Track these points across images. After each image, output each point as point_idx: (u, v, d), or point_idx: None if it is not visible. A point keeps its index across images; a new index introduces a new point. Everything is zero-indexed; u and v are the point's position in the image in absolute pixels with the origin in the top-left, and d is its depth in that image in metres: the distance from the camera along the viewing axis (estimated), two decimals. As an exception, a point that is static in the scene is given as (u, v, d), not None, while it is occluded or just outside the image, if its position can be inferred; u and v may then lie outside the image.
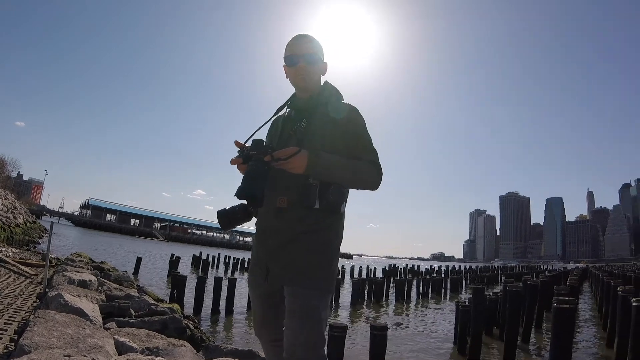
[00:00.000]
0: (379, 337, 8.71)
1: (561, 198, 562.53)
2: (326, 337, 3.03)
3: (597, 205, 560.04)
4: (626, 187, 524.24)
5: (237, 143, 2.97)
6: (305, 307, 2.84)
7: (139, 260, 29.97)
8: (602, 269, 56.72)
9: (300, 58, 3.09)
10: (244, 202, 2.87)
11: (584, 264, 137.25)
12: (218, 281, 18.67)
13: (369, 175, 2.96)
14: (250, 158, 2.79)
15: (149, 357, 5.00)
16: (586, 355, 15.19)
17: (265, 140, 3.27)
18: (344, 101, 3.25)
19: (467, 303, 15.03)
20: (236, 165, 2.93)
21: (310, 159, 2.74)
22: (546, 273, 41.56)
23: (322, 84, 3.30)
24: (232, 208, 2.95)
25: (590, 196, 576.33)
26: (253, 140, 2.94)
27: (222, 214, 2.92)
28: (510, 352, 12.77)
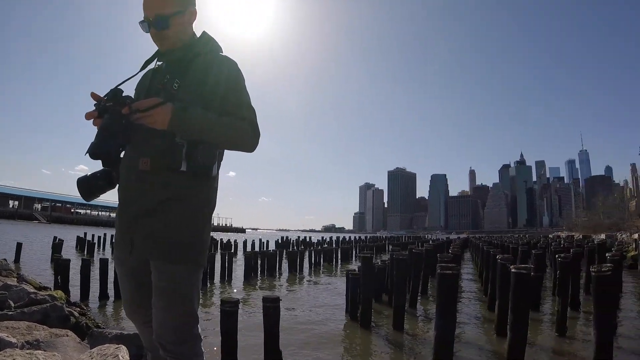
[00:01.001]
0: (272, 310, 8.68)
1: (445, 175, 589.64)
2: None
3: (478, 182, 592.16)
4: (506, 167, 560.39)
5: (93, 95, 2.58)
6: (173, 284, 2.61)
7: (19, 245, 27.41)
8: (482, 239, 59.75)
9: (150, 24, 2.73)
10: (106, 167, 2.63)
11: (466, 235, 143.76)
12: (104, 263, 17.13)
13: (244, 134, 2.70)
14: (107, 110, 2.46)
15: (28, 351, 4.46)
16: (470, 317, 16.01)
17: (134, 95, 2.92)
18: (223, 54, 2.94)
19: (357, 271, 15.34)
20: (92, 120, 2.55)
21: (174, 113, 2.45)
22: (430, 242, 43.32)
23: (195, 33, 2.96)
24: (93, 174, 2.63)
25: (472, 174, 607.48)
26: (111, 90, 2.59)
27: (81, 181, 2.59)
28: (399, 317, 13.27)
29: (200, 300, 16.94)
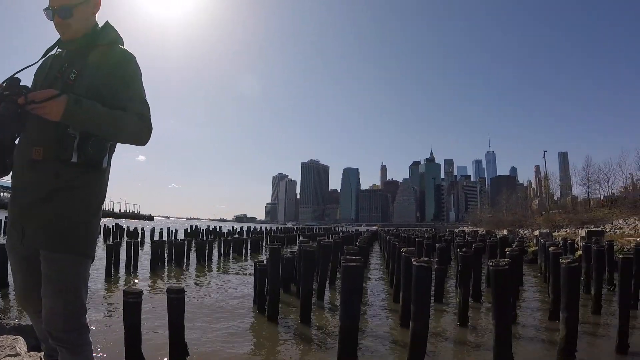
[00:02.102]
0: (176, 301, 8.50)
1: (357, 169, 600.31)
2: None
3: (389, 177, 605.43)
4: (416, 164, 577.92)
5: None
6: (60, 273, 2.64)
7: None
8: (391, 232, 61.12)
9: (54, 12, 2.72)
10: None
11: (377, 227, 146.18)
12: (2, 249, 15.50)
13: (135, 128, 2.70)
14: (3, 99, 2.43)
15: None
16: (376, 308, 16.38)
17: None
18: (124, 47, 2.94)
19: (265, 263, 15.34)
20: None
21: (68, 105, 2.45)
22: (340, 234, 43.81)
23: (97, 23, 2.96)
24: None
25: (384, 169, 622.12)
26: (8, 78, 2.57)
27: None
28: (306, 310, 13.34)
29: (104, 291, 16.54)
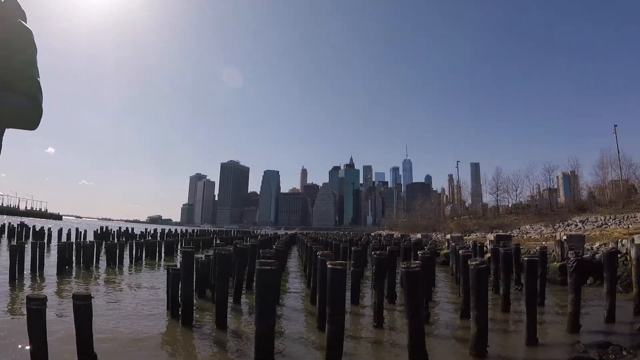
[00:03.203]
0: (82, 307, 8.16)
1: (278, 171, 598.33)
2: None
3: (309, 181, 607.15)
4: (336, 169, 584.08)
5: None
6: None
7: None
8: (309, 235, 61.45)
9: None
10: None
11: (297, 230, 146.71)
12: None
13: (20, 109, 2.39)
14: None
15: None
16: (293, 311, 16.41)
17: None
18: (22, 21, 2.64)
19: (178, 267, 14.96)
20: None
21: None
22: (258, 238, 43.63)
23: None
24: None
25: (304, 172, 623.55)
26: None
27: None
28: (222, 315, 13.17)
29: (7, 296, 15.78)
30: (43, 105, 2.49)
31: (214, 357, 10.93)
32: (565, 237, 26.99)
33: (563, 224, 62.28)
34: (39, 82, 2.54)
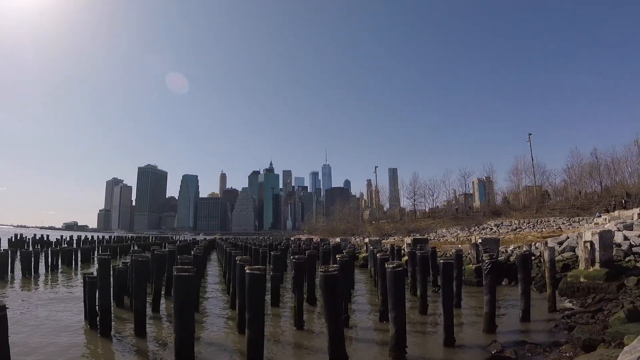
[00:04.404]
0: (-2, 319, 7.90)
1: (197, 176, 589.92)
2: None
3: (228, 186, 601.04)
4: (255, 173, 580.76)
5: None
6: None
7: None
8: (229, 240, 61.00)
9: None
10: None
11: (218, 236, 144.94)
12: None
13: None
14: None
15: None
16: (213, 317, 16.49)
17: None
18: None
19: (94, 274, 14.64)
20: None
21: None
22: (177, 243, 43.03)
23: None
24: None
25: (223, 177, 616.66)
26: None
27: None
28: (140, 322, 13.08)
29: None
30: None
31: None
32: (480, 240, 28.02)
33: (478, 227, 64.72)
34: None
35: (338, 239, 66.89)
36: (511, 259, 26.24)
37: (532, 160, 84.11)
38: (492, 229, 61.56)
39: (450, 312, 12.64)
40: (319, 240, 70.85)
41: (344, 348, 9.80)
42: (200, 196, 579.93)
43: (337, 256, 19.25)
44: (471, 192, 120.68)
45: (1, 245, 44.60)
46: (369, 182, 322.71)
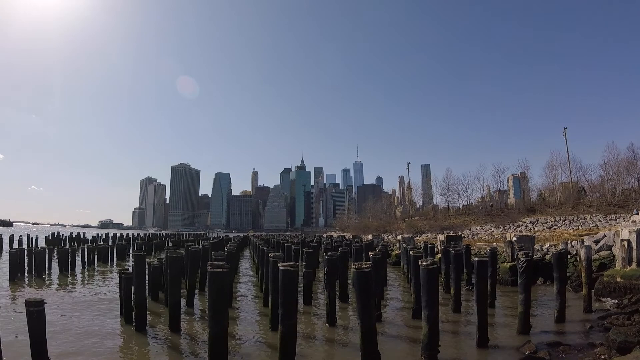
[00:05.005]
0: (36, 314, 8.12)
1: (229, 174, 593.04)
2: None
3: (260, 183, 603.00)
4: (287, 171, 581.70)
5: None
6: None
7: None
8: (261, 237, 61.27)
9: None
10: None
11: (251, 233, 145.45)
12: None
13: None
14: None
15: None
16: (246, 313, 16.54)
17: None
18: None
19: (130, 270, 14.89)
20: None
21: None
22: (210, 240, 43.32)
23: None
24: None
25: (255, 175, 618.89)
26: None
27: None
28: (175, 318, 13.16)
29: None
30: None
31: (169, 360, 10.90)
32: (515, 238, 27.45)
33: (513, 224, 63.61)
34: None
35: (370, 236, 66.62)
36: (547, 258, 25.78)
37: (568, 155, 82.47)
38: (527, 226, 60.42)
39: (484, 312, 12.41)
40: (351, 237, 70.61)
41: (376, 345, 9.73)
42: (232, 194, 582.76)
43: (369, 253, 19.16)
44: (506, 188, 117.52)
45: (39, 243, 45.55)
46: (401, 178, 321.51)
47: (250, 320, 15.27)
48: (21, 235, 52.65)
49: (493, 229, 63.53)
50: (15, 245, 39.97)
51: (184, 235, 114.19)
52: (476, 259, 14.36)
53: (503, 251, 27.75)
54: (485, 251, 21.79)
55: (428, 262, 11.38)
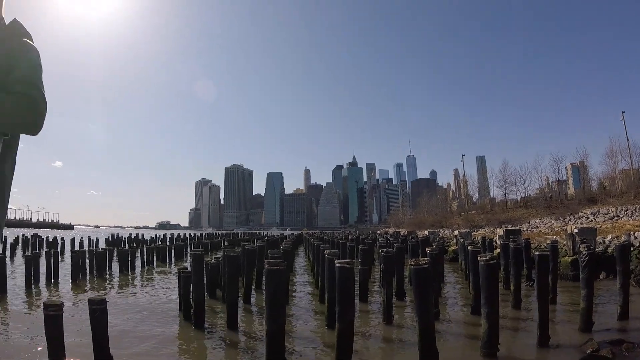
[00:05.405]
0: (98, 312, 8.25)
1: (281, 173, 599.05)
2: None
3: (312, 181, 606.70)
4: (339, 168, 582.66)
5: None
6: None
7: None
8: (315, 235, 61.47)
9: None
10: None
11: (305, 231, 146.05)
12: None
13: (14, 109, 2.35)
14: None
15: None
16: (302, 310, 16.51)
17: None
18: (29, 41, 2.75)
19: (188, 269, 15.19)
20: None
21: None
22: (265, 239, 43.72)
23: (3, 18, 2.79)
24: None
25: (307, 173, 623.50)
26: None
27: None
28: (233, 315, 13.26)
29: (25, 304, 15.97)
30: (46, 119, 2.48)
31: (226, 356, 11.05)
32: (576, 230, 26.62)
33: (574, 216, 61.53)
34: (39, 87, 2.52)
35: (426, 232, 65.87)
36: (609, 251, 24.95)
37: (628, 140, 78.97)
38: (587, 217, 58.21)
39: (546, 309, 11.93)
40: (406, 233, 69.95)
41: (435, 344, 9.56)
42: (285, 192, 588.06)
43: (426, 249, 18.94)
44: (564, 178, 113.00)
45: (99, 244, 46.81)
46: (455, 171, 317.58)
47: (306, 318, 15.24)
48: (82, 238, 54.63)
49: (553, 221, 61.54)
50: (77, 247, 40.98)
51: (239, 234, 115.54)
52: (537, 253, 13.89)
53: (564, 244, 26.88)
54: (545, 245, 21.28)
55: (487, 257, 11.13)
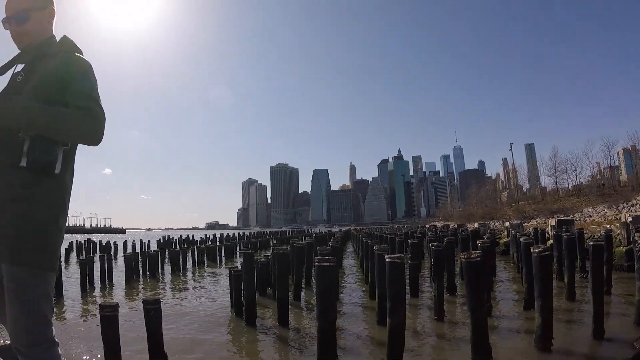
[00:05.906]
0: (153, 311, 8.40)
1: (327, 169, 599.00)
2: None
3: (358, 177, 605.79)
4: (384, 162, 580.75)
5: None
6: (19, 286, 2.57)
7: None
8: (363, 230, 61.34)
9: (9, 20, 2.83)
10: None
11: (353, 227, 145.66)
12: None
13: (77, 122, 2.55)
14: None
15: None
16: (353, 306, 16.42)
17: None
18: (78, 54, 2.93)
19: (239, 268, 15.38)
20: None
21: (6, 107, 2.46)
22: (313, 236, 43.82)
23: (54, 35, 3.01)
24: None
25: (353, 169, 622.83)
26: None
27: None
28: (283, 312, 13.31)
29: (80, 306, 16.34)
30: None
31: (278, 353, 11.08)
32: (630, 219, 25.77)
33: (627, 204, 59.67)
34: (97, 100, 2.72)
35: (476, 224, 64.90)
36: (664, 239, 24.06)
37: (678, 121, 75.55)
38: (641, 204, 56.42)
39: (600, 301, 11.51)
40: (455, 226, 69.11)
41: (488, 340, 9.42)
42: (331, 189, 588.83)
43: (477, 242, 18.71)
44: (617, 164, 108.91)
45: (151, 246, 47.72)
46: (504, 160, 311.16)
47: (356, 314, 15.21)
48: (134, 240, 55.89)
49: (606, 209, 59.73)
50: (129, 250, 41.98)
51: (287, 232, 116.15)
52: (591, 243, 13.46)
53: (617, 234, 26.09)
54: (599, 235, 20.78)
55: (541, 249, 10.90)
